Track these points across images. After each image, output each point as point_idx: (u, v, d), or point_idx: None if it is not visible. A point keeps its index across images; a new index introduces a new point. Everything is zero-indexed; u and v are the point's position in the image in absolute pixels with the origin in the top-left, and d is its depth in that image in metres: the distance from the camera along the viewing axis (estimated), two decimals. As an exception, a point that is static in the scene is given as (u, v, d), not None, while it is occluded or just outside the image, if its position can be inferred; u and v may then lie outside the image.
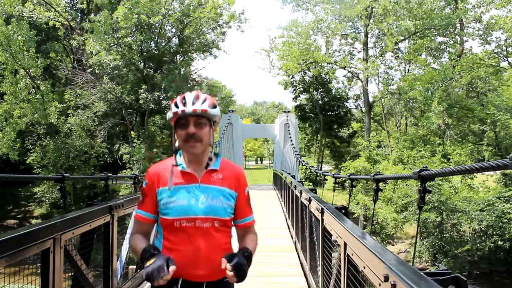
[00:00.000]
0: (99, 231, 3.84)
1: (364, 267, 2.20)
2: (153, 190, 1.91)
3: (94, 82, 26.42)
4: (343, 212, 3.68)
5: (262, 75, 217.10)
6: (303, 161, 19.99)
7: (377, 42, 33.67)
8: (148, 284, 4.68)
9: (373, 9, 29.51)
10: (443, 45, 29.40)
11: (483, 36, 27.45)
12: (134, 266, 5.19)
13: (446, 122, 25.28)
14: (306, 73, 38.68)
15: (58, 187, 3.69)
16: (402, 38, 29.00)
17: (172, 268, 1.68)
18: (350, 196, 5.39)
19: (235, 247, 1.97)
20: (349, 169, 24.90)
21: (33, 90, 25.14)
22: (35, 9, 26.12)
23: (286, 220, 10.46)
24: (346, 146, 42.87)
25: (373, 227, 20.89)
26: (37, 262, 2.66)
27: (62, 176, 3.65)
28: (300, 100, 42.24)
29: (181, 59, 29.06)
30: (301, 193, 6.24)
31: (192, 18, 25.50)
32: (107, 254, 3.96)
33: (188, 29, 26.01)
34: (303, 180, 18.97)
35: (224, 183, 1.92)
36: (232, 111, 32.84)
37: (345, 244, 2.76)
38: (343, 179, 7.64)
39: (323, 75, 37.55)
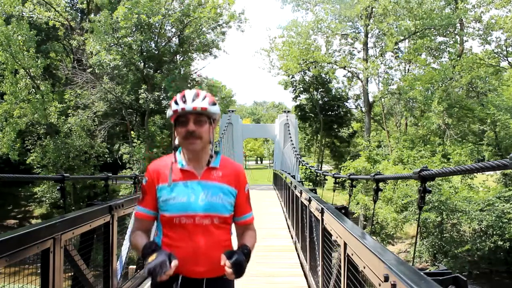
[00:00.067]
0: (99, 231, 3.84)
1: (364, 267, 2.20)
2: (153, 187, 1.91)
3: (94, 82, 26.43)
4: (343, 212, 3.68)
5: (262, 75, 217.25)
6: (303, 161, 19.98)
7: (377, 42, 33.68)
8: (148, 284, 4.69)
9: (373, 9, 29.51)
10: (443, 45, 29.39)
11: (483, 36, 27.46)
12: (134, 266, 5.19)
13: (446, 122, 25.28)
14: (306, 73, 38.68)
15: (58, 187, 3.69)
16: (402, 38, 29.00)
17: (174, 263, 1.68)
18: (350, 196, 5.39)
19: (235, 244, 1.98)
20: (349, 169, 24.90)
21: (33, 90, 25.14)
22: (35, 9, 26.12)
23: (286, 220, 10.46)
24: (346, 146, 42.88)
25: (373, 227, 20.89)
26: (37, 262, 2.66)
27: (62, 176, 3.65)
28: (300, 100, 42.25)
29: (181, 59, 29.05)
30: (301, 193, 6.24)
31: (192, 18, 25.50)
32: (107, 254, 3.96)
33: (188, 29, 26.01)
34: (303, 180, 18.99)
35: (224, 180, 1.92)
36: (232, 111, 32.82)
37: (345, 244, 2.76)
38: (343, 179, 7.64)
39: (323, 75, 37.56)
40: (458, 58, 26.58)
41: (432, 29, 27.37)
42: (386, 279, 1.73)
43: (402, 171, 21.06)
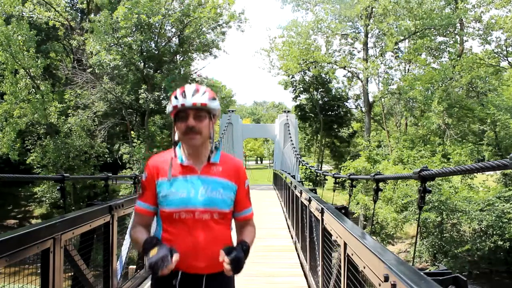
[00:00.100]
0: (99, 231, 3.84)
1: (364, 267, 2.20)
2: (152, 182, 1.91)
3: (94, 82, 26.43)
4: (343, 212, 3.68)
5: (262, 75, 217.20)
6: (303, 161, 19.98)
7: (377, 42, 33.68)
8: (148, 284, 4.68)
9: (373, 9, 29.51)
10: (443, 45, 29.39)
11: (483, 36, 27.46)
12: (134, 266, 5.19)
13: (446, 122, 25.28)
14: (306, 73, 38.68)
15: (58, 187, 3.69)
16: (402, 38, 29.00)
17: (175, 257, 1.69)
18: (350, 196, 5.39)
19: (235, 239, 1.98)
20: (349, 169, 24.89)
21: (33, 90, 25.14)
22: (35, 9, 26.12)
23: (286, 220, 10.45)
24: (346, 146, 42.87)
25: (373, 227, 20.88)
26: (37, 262, 2.66)
27: (62, 176, 3.65)
28: (300, 100, 42.24)
29: (181, 59, 29.05)
30: (301, 193, 6.24)
31: (192, 18, 25.50)
32: (107, 254, 3.96)
33: (188, 29, 26.01)
34: (303, 180, 19.00)
35: (224, 175, 1.92)
36: (232, 111, 32.82)
37: (345, 244, 2.76)
38: (343, 179, 7.64)
39: (323, 75, 37.55)
40: (458, 58, 26.58)
41: (432, 29, 27.37)
42: (386, 279, 1.73)
43: (402, 171, 21.05)
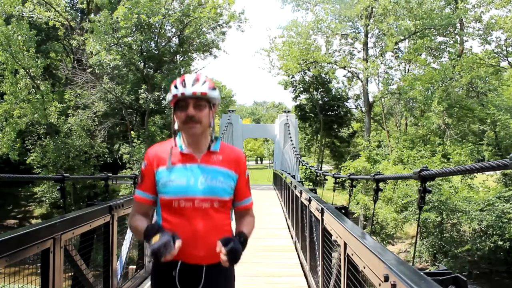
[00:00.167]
0: (99, 231, 3.84)
1: (364, 267, 2.20)
2: (151, 171, 1.91)
3: (94, 82, 26.43)
4: (343, 212, 3.68)
5: (262, 75, 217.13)
6: (303, 161, 19.99)
7: (377, 42, 33.67)
8: (148, 284, 4.68)
9: (373, 9, 29.51)
10: (443, 45, 29.39)
11: (483, 36, 27.45)
12: (134, 266, 5.19)
13: (446, 122, 25.28)
14: (306, 73, 38.67)
15: (58, 187, 3.69)
16: (402, 38, 28.99)
17: (178, 243, 1.68)
18: (350, 196, 5.39)
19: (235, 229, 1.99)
20: (349, 169, 24.89)
21: (33, 90, 25.15)
22: (35, 9, 26.12)
23: (286, 220, 10.45)
24: (346, 146, 42.87)
25: (373, 227, 20.88)
26: (37, 262, 2.66)
27: (62, 176, 3.65)
28: (300, 100, 42.25)
29: (181, 59, 29.07)
30: (301, 193, 6.24)
31: (192, 18, 25.51)
32: (107, 254, 3.96)
33: (188, 29, 26.02)
34: (303, 180, 19.00)
35: (224, 164, 1.92)
36: (232, 111, 32.85)
37: (345, 244, 2.76)
38: (343, 179, 7.64)
39: (323, 75, 37.55)
40: (458, 58, 26.57)
41: (432, 29, 27.36)
42: (386, 279, 1.73)
43: (402, 171, 21.04)
